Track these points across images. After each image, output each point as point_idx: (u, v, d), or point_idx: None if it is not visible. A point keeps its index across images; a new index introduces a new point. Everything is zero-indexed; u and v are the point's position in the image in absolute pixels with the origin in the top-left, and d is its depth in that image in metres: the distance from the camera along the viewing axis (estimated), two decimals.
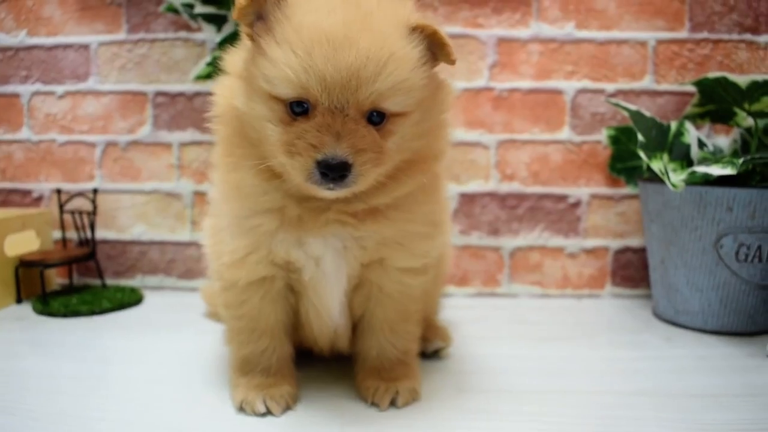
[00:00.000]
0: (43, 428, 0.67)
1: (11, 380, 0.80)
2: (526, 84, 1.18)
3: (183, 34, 1.22)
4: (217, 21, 1.10)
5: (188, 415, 0.70)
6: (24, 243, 1.19)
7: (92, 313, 1.09)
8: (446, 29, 1.16)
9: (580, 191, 1.20)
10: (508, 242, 1.21)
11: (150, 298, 1.19)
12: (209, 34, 1.13)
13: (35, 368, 0.84)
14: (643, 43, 1.17)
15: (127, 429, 0.67)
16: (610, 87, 1.18)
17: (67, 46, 1.26)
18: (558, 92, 1.18)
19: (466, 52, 1.18)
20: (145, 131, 1.25)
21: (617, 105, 1.04)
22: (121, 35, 1.24)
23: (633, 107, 1.03)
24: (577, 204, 1.20)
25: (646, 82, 1.18)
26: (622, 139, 1.16)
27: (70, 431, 0.66)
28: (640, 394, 0.76)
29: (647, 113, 1.03)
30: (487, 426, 0.68)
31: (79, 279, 1.28)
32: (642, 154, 0.97)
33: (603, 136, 1.18)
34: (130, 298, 1.15)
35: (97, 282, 1.25)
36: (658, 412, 0.71)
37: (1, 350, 0.92)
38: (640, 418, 0.70)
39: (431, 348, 0.87)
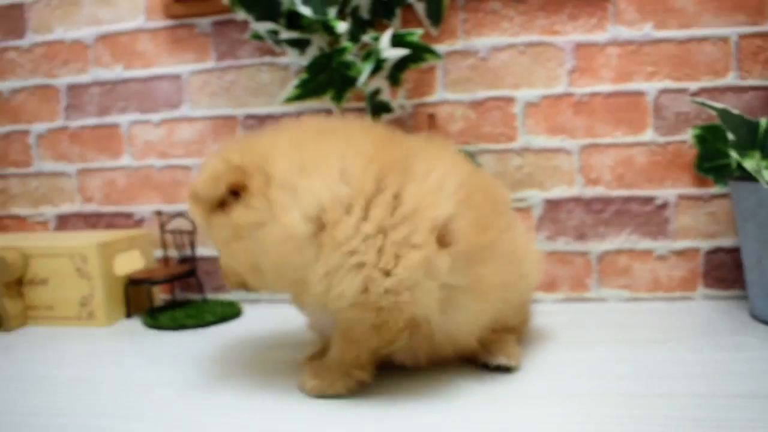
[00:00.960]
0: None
1: (132, 389, 0.87)
2: (606, 88, 1.18)
3: (268, 59, 1.28)
4: (301, 45, 1.15)
5: (289, 421, 0.74)
6: (130, 262, 1.27)
7: (197, 326, 1.16)
8: (523, 38, 1.18)
9: (667, 192, 1.18)
10: (596, 246, 1.21)
11: (248, 312, 1.25)
12: (293, 58, 1.19)
13: (152, 377, 0.91)
14: (725, 39, 1.15)
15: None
16: (692, 86, 1.16)
17: (160, 77, 1.34)
18: (639, 94, 1.17)
19: (544, 59, 1.19)
20: None
21: (703, 104, 1.03)
22: (210, 64, 1.31)
23: (719, 105, 1.02)
24: (664, 206, 1.19)
25: (730, 79, 1.16)
26: (708, 138, 1.14)
27: None
28: (743, 397, 0.75)
29: (734, 111, 1.01)
30: (594, 428, 0.69)
31: (180, 294, 1.36)
32: (734, 153, 0.95)
33: (688, 135, 1.16)
34: (230, 312, 1.21)
35: (197, 297, 1.32)
36: (762, 413, 0.70)
37: (119, 361, 1.00)
38: (742, 420, 0.69)
39: (494, 362, 0.86)
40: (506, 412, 0.74)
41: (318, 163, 0.72)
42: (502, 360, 0.85)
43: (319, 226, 0.70)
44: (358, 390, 0.80)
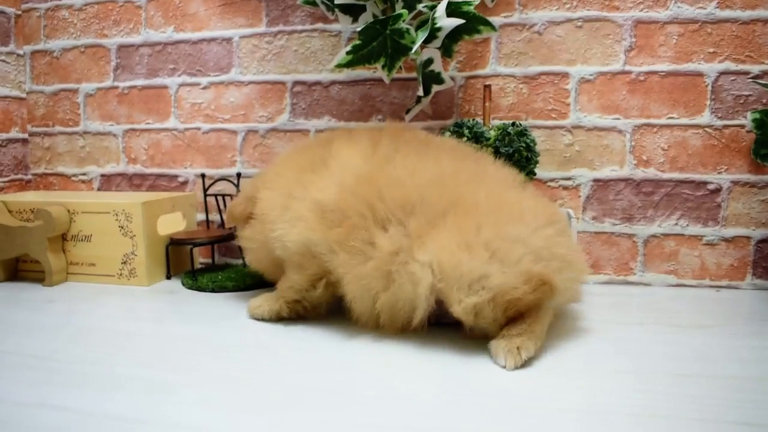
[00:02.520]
0: (200, 384, 0.73)
1: (170, 344, 0.88)
2: (664, 67, 1.15)
3: (319, 25, 1.27)
4: (355, 11, 1.14)
5: (325, 379, 0.74)
6: (173, 224, 1.28)
7: (238, 289, 1.16)
8: (581, 12, 1.16)
9: (721, 178, 1.16)
10: (643, 229, 1.19)
11: None
12: (345, 25, 1.18)
13: (191, 334, 0.92)
14: None
15: (271, 386, 0.72)
16: (754, 68, 1.13)
17: (211, 40, 1.34)
18: (698, 75, 1.14)
19: (601, 35, 1.16)
20: (283, 119, 1.31)
21: (766, 86, 1.00)
22: (261, 28, 1.31)
23: None
24: (717, 191, 1.16)
25: None
26: (767, 123, 1.11)
27: (222, 387, 0.72)
28: None
29: None
30: (641, 404, 0.67)
31: (220, 259, 1.37)
32: None
33: (747, 120, 1.13)
34: None
35: (236, 261, 1.32)
36: None
37: (159, 318, 1.01)
38: None
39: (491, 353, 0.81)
40: (547, 384, 0.73)
41: (272, 182, 1.01)
42: (496, 353, 0.79)
43: (261, 219, 0.99)
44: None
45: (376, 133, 1.00)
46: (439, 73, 1.15)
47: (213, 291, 1.16)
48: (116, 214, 1.20)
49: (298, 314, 0.97)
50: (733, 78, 1.13)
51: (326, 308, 0.98)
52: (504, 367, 0.76)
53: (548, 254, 0.82)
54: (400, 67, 1.12)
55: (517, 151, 1.05)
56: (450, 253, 0.79)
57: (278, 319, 0.97)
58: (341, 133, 1.04)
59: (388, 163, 0.91)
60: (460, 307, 0.79)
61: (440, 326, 0.88)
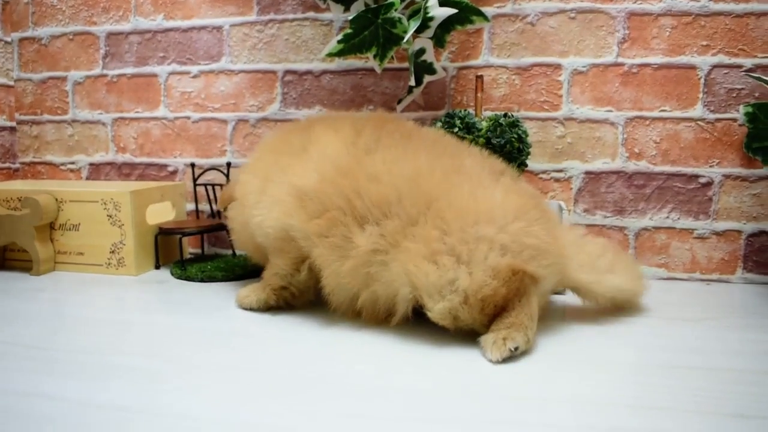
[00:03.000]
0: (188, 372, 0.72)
1: (158, 333, 0.87)
2: (657, 59, 1.15)
3: (311, 14, 1.26)
4: (346, 0, 1.13)
5: (312, 369, 0.74)
6: (162, 213, 1.27)
7: (227, 279, 1.15)
8: (574, 3, 1.15)
9: (712, 171, 1.15)
10: (634, 222, 1.18)
11: None
12: (336, 14, 1.17)
13: (180, 323, 0.91)
14: None
15: (256, 372, 0.71)
16: (747, 62, 1.13)
17: (201, 28, 1.33)
18: (691, 67, 1.14)
19: (594, 27, 1.16)
20: (273, 108, 1.30)
21: (759, 79, 1.00)
22: (252, 17, 1.30)
23: None
24: (708, 184, 1.16)
25: None
26: (760, 117, 1.10)
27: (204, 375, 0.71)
28: None
29: None
30: (639, 395, 0.67)
31: (209, 249, 1.36)
32: None
33: (739, 113, 1.13)
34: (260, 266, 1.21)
35: (225, 252, 1.31)
36: None
37: (147, 307, 1.00)
38: None
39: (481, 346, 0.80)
40: (540, 375, 0.73)
41: (252, 165, 1.03)
42: (484, 346, 0.78)
43: (241, 202, 1.01)
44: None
45: (360, 121, 0.98)
46: (431, 63, 1.14)
47: (202, 281, 1.15)
48: (104, 203, 1.19)
49: (286, 301, 0.97)
50: (726, 71, 1.13)
51: (314, 293, 0.97)
52: (490, 360, 0.75)
53: (517, 246, 0.80)
54: (392, 57, 1.11)
55: (508, 142, 1.04)
56: (416, 266, 0.79)
57: (267, 308, 0.97)
58: (324, 119, 1.03)
59: (368, 155, 0.90)
60: (435, 314, 0.79)
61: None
